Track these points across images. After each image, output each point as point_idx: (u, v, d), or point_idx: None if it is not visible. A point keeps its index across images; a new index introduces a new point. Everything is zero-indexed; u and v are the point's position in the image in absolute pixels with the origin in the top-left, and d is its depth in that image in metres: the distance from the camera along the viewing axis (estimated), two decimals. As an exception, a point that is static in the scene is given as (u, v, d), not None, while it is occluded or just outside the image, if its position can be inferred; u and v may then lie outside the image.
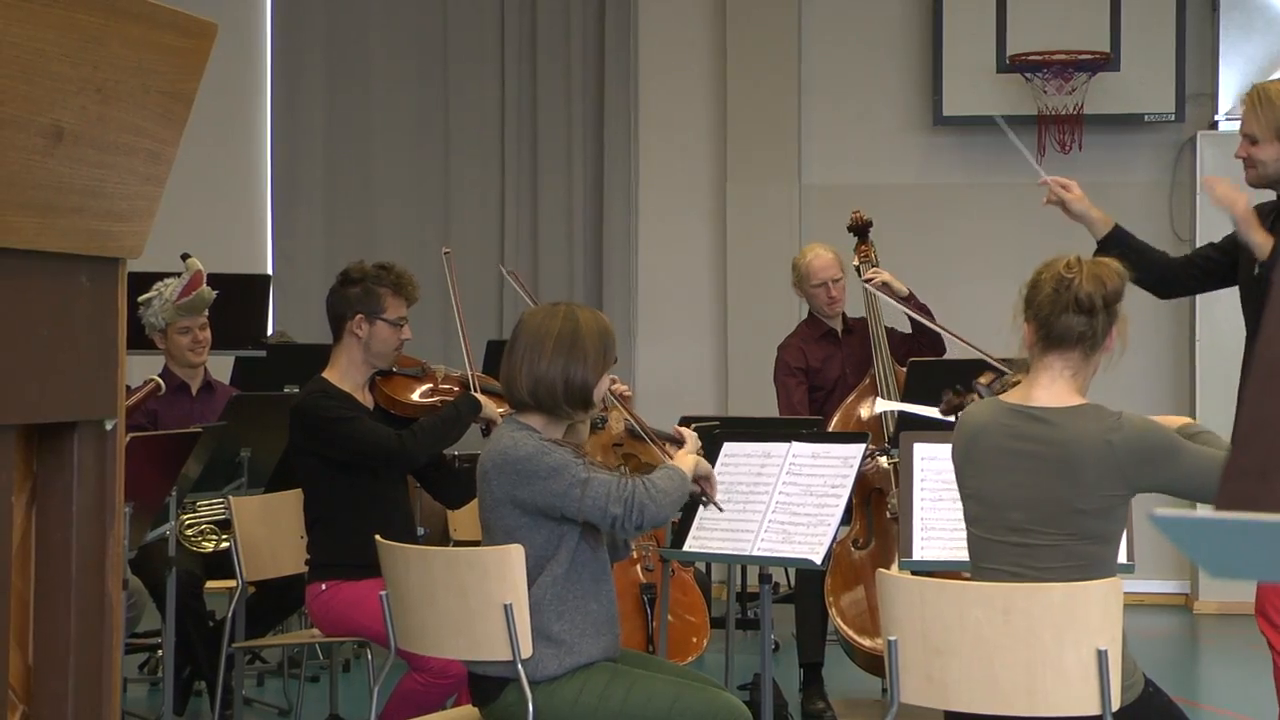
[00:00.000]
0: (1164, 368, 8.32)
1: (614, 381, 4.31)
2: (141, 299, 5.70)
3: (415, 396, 4.84)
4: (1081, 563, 3.20)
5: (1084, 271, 3.27)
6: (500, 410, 4.78)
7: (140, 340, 5.77)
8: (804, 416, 5.91)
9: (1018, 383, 3.43)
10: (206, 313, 5.80)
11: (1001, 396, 3.42)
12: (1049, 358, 3.30)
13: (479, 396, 4.67)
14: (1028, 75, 8.22)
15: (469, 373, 4.88)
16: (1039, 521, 3.24)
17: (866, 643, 5.39)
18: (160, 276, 5.81)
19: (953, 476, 3.83)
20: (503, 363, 3.68)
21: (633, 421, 4.18)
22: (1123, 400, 8.19)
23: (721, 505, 3.86)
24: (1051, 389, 3.30)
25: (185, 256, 5.77)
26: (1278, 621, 4.08)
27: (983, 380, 3.93)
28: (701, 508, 3.87)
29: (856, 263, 6.22)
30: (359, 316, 4.69)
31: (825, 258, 6.11)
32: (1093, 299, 3.26)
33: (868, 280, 5.99)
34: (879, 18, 8.68)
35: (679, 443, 4.08)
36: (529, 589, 3.52)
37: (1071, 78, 8.17)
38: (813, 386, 6.12)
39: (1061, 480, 3.22)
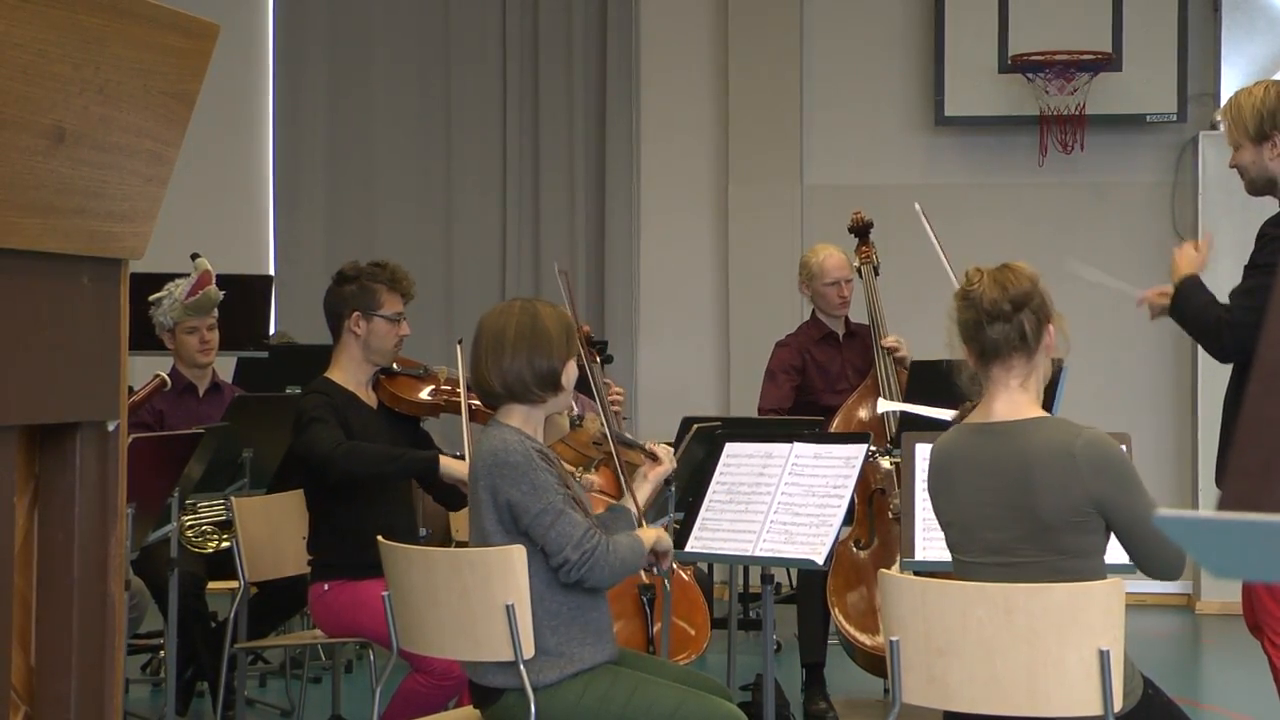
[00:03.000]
0: (1166, 366, 8.32)
1: (609, 388, 4.32)
2: (152, 298, 5.73)
3: (419, 395, 4.84)
4: (1064, 578, 3.18)
5: (985, 280, 3.27)
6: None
7: (148, 341, 5.79)
8: (780, 415, 5.92)
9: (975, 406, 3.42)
10: (215, 314, 5.82)
11: (966, 420, 3.41)
12: (993, 371, 3.29)
13: (442, 459, 4.58)
14: (1029, 75, 8.22)
15: (464, 402, 4.82)
16: (1014, 540, 3.22)
17: (869, 641, 5.39)
18: (172, 277, 5.84)
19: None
20: (469, 365, 3.70)
21: (606, 430, 4.18)
22: (1124, 399, 8.17)
23: (668, 580, 3.90)
24: (1005, 400, 3.28)
25: (195, 256, 5.80)
26: (1278, 641, 4.06)
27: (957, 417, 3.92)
28: (655, 572, 3.89)
29: (858, 264, 6.22)
30: (355, 314, 4.69)
31: (838, 257, 6.12)
32: (999, 304, 3.23)
33: (894, 349, 5.98)
34: (881, 18, 8.68)
35: (652, 456, 4.08)
36: None
37: (1073, 78, 8.17)
38: (811, 388, 6.11)
39: (1025, 493, 3.20)
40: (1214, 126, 8.24)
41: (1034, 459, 3.20)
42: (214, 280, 5.78)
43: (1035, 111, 8.27)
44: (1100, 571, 3.24)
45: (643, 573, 3.89)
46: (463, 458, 4.84)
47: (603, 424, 4.24)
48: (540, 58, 8.87)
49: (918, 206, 5.43)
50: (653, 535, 3.80)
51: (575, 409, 4.29)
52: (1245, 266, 4.20)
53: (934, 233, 5.27)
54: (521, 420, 3.64)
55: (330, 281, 4.83)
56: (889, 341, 5.98)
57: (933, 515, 3.82)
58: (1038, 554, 3.20)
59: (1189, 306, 4.25)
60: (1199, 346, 4.50)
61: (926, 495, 3.79)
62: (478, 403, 4.85)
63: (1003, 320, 3.24)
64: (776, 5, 8.63)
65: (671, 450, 4.11)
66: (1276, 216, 4.17)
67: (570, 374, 3.67)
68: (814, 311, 6.23)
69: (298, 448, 4.62)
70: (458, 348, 4.89)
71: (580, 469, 4.33)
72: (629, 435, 4.34)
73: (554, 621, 3.55)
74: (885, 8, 8.69)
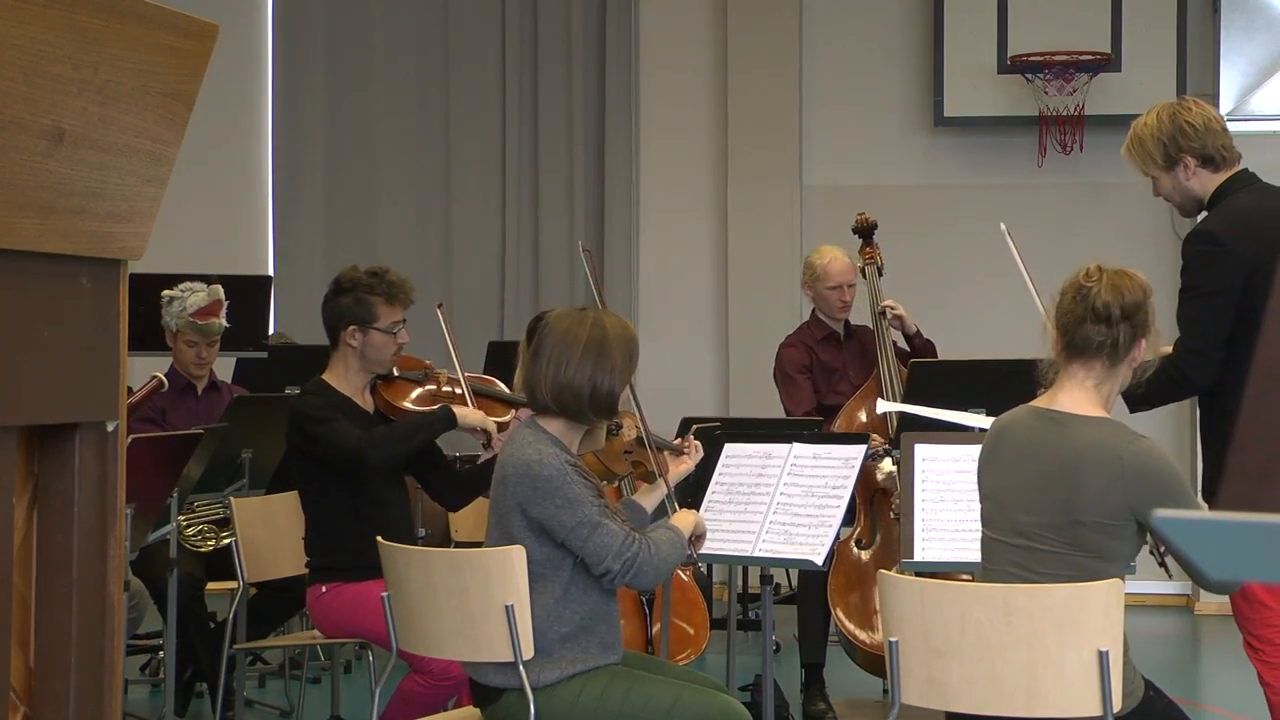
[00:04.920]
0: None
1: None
2: (165, 293, 5.78)
3: (415, 402, 4.81)
4: (1083, 575, 3.19)
5: (1104, 281, 3.27)
6: (504, 417, 4.77)
7: (148, 341, 5.81)
8: (814, 417, 5.91)
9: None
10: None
11: (1034, 402, 3.41)
12: (1072, 366, 3.31)
13: (455, 409, 4.63)
14: (1029, 76, 8.22)
15: (467, 390, 4.83)
16: (1043, 527, 3.23)
17: (870, 640, 5.39)
18: (185, 278, 5.88)
19: (953, 478, 3.83)
20: (526, 365, 3.65)
21: (643, 431, 4.17)
22: (1124, 400, 8.12)
23: (697, 559, 3.90)
24: (1073, 395, 3.30)
25: (211, 282, 5.86)
26: (1254, 644, 4.06)
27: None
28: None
29: (861, 265, 6.23)
30: (352, 327, 4.65)
31: (844, 261, 6.12)
32: (1109, 309, 3.24)
33: (888, 307, 5.97)
34: (880, 18, 8.68)
35: (679, 453, 4.07)
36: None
37: (1072, 78, 8.17)
38: (814, 387, 6.11)
39: (1065, 487, 3.21)
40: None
41: (1082, 457, 3.21)
42: (223, 312, 5.82)
43: (1034, 112, 8.27)
44: (1115, 576, 3.24)
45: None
46: (470, 460, 4.84)
47: (639, 429, 4.20)
48: (540, 58, 8.87)
49: (1003, 227, 5.09)
50: (690, 520, 3.76)
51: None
52: (1179, 291, 4.12)
53: (1020, 256, 4.93)
54: (560, 431, 3.60)
55: (329, 287, 4.78)
56: (888, 301, 5.98)
57: (933, 516, 3.83)
58: (1061, 546, 3.21)
59: (1141, 387, 4.19)
60: None
61: (926, 496, 3.80)
62: (480, 408, 4.84)
63: (1105, 324, 3.25)
64: (776, 5, 8.63)
65: (699, 446, 4.10)
66: (1194, 234, 4.14)
67: (623, 400, 3.65)
68: (814, 311, 6.24)
69: (312, 450, 4.60)
70: (439, 311, 4.91)
71: (604, 481, 4.32)
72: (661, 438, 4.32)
73: (563, 629, 3.54)
74: (885, 8, 8.68)
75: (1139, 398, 4.06)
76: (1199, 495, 4.32)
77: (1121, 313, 3.26)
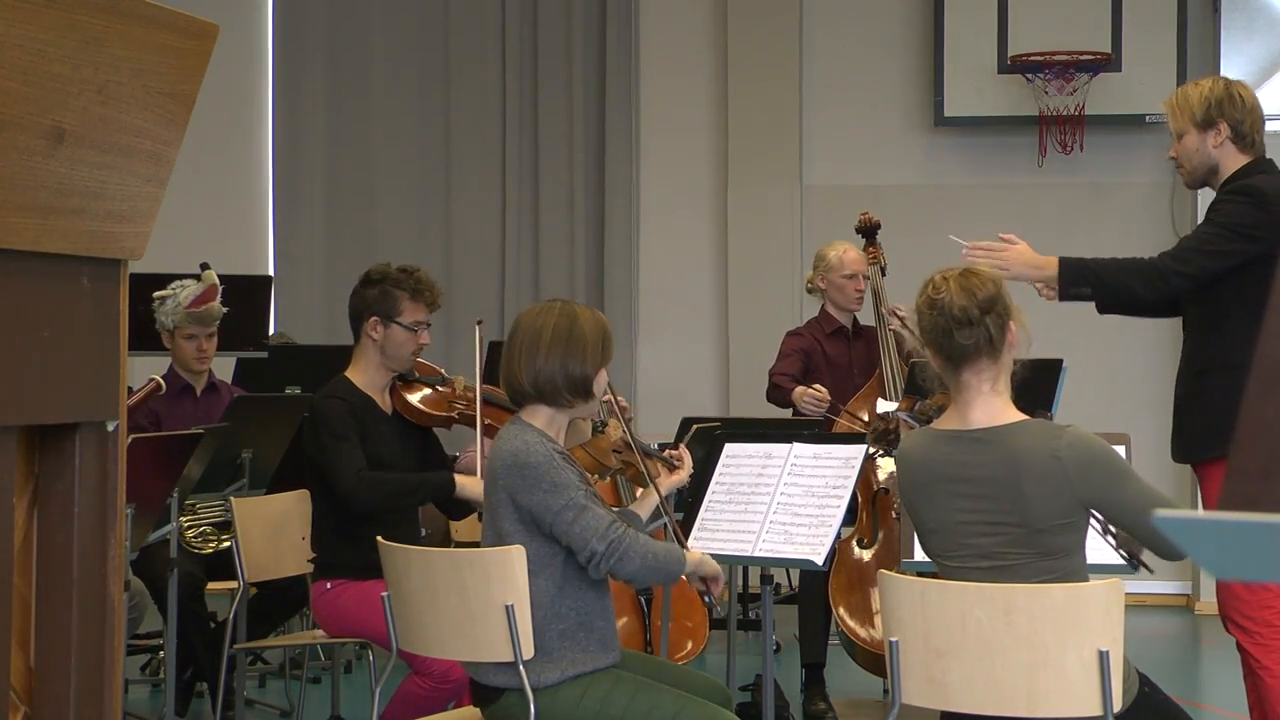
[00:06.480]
0: (1166, 366, 8.31)
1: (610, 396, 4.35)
2: (157, 295, 5.75)
3: (432, 406, 4.83)
4: (1052, 576, 3.20)
5: (951, 287, 3.27)
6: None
7: (147, 341, 5.80)
8: (786, 379, 5.91)
9: (941, 406, 3.41)
10: (215, 324, 5.84)
11: (935, 424, 3.40)
12: (963, 376, 3.29)
13: (457, 479, 4.63)
14: (1029, 76, 8.22)
15: (479, 399, 4.82)
16: (1005, 545, 3.23)
17: (872, 638, 5.39)
18: (179, 277, 5.86)
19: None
20: (502, 361, 3.70)
21: (629, 438, 4.18)
22: (1124, 400, 8.14)
23: (720, 608, 3.86)
24: (980, 406, 3.28)
25: (204, 267, 5.83)
26: (1246, 625, 4.07)
27: (903, 406, 3.91)
28: (706, 601, 3.84)
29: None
30: (374, 319, 4.67)
31: (856, 252, 6.16)
32: (967, 311, 3.24)
33: (897, 314, 5.97)
34: (880, 18, 8.69)
35: (670, 464, 4.07)
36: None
37: (1073, 78, 8.17)
38: (819, 383, 6.11)
39: (1014, 500, 3.20)
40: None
41: (1020, 466, 3.20)
42: (219, 295, 5.79)
43: (1035, 112, 8.28)
44: (1081, 568, 3.26)
45: (698, 595, 3.85)
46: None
47: (625, 431, 4.22)
48: (539, 58, 8.87)
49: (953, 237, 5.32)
50: (697, 558, 3.75)
51: (599, 415, 4.28)
52: (1205, 221, 4.19)
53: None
54: (545, 422, 3.63)
55: (358, 280, 4.81)
56: (901, 311, 5.97)
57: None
58: (1027, 557, 3.21)
59: (1098, 268, 4.21)
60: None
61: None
62: (491, 420, 4.84)
63: (971, 326, 3.25)
64: (776, 6, 8.63)
65: (689, 459, 4.11)
66: (1243, 186, 4.15)
67: (601, 382, 3.66)
68: (823, 307, 6.23)
69: (318, 460, 4.59)
70: (476, 328, 4.90)
71: (595, 476, 4.33)
72: (649, 444, 4.33)
73: (562, 625, 3.54)
74: (885, 8, 8.69)
75: (1100, 280, 4.13)
76: (1178, 458, 4.35)
77: (980, 310, 3.25)
